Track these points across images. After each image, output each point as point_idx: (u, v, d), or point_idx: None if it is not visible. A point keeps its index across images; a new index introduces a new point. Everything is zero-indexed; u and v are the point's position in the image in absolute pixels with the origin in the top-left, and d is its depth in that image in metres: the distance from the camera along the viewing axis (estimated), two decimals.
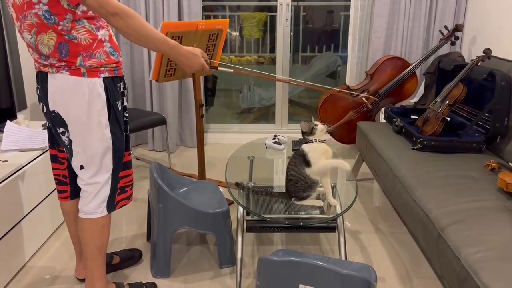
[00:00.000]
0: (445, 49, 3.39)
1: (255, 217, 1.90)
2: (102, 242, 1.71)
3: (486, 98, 2.45)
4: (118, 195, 1.70)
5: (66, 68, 1.47)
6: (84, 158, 1.58)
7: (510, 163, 2.12)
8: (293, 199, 1.89)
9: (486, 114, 2.38)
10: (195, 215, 1.96)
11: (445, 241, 1.57)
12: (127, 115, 1.71)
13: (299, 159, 1.86)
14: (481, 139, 2.31)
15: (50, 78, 1.49)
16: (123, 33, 1.42)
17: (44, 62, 1.48)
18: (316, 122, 1.89)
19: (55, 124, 1.57)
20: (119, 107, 1.61)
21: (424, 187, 1.91)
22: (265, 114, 4.61)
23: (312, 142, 1.86)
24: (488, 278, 1.32)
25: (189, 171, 3.24)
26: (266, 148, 2.52)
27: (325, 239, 2.33)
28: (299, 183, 1.85)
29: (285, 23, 3.68)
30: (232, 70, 1.92)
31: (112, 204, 1.69)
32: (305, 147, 1.86)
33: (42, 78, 1.52)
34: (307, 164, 1.83)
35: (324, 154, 1.84)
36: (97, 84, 1.51)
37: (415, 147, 2.34)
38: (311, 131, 1.87)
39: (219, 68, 1.91)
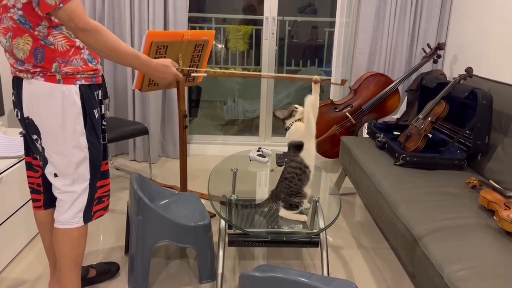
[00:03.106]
0: (428, 67, 3.45)
1: (237, 231, 1.86)
2: (78, 254, 1.65)
3: (467, 116, 2.49)
4: (95, 205, 1.66)
5: (41, 74, 1.44)
6: (57, 166, 1.54)
7: (490, 181, 2.15)
8: (280, 205, 1.86)
9: (467, 131, 2.41)
10: (175, 228, 1.91)
11: (428, 258, 1.56)
12: (105, 123, 1.67)
13: (291, 151, 1.83)
14: (463, 156, 2.33)
15: (25, 83, 1.46)
16: (93, 49, 1.40)
17: (20, 67, 1.45)
18: (297, 106, 1.87)
19: (29, 130, 1.53)
20: (96, 115, 1.58)
21: (407, 203, 1.91)
22: (249, 126, 4.60)
23: (290, 127, 1.85)
24: None
25: (170, 182, 3.19)
26: (250, 160, 2.50)
27: (308, 254, 2.31)
28: (293, 181, 1.81)
29: (270, 37, 3.70)
30: (205, 74, 1.93)
31: (88, 215, 1.64)
32: (289, 134, 1.85)
33: (17, 84, 1.48)
34: (299, 147, 1.82)
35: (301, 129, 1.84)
36: (73, 92, 1.48)
37: (398, 163, 2.35)
38: (291, 114, 1.86)
39: (192, 74, 1.91)
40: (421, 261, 1.62)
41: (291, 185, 1.82)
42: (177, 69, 1.70)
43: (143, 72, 1.58)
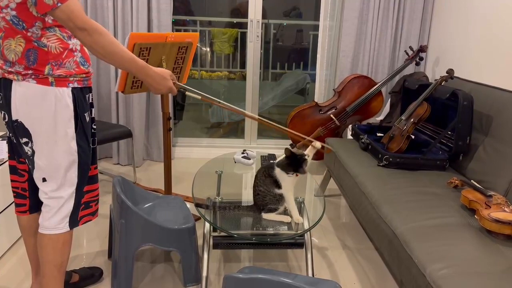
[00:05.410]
0: (410, 69, 3.49)
1: (222, 233, 1.86)
2: (62, 260, 1.63)
3: (449, 116, 2.53)
4: (81, 210, 1.63)
5: (33, 77, 1.41)
6: (47, 171, 1.51)
7: (472, 181, 2.18)
8: (262, 212, 1.87)
9: (449, 132, 2.45)
10: (159, 231, 1.89)
11: (410, 257, 1.58)
12: (95, 127, 1.66)
13: (269, 180, 1.84)
14: (445, 156, 2.36)
15: (15, 85, 1.43)
16: (90, 49, 1.38)
17: (9, 69, 1.42)
18: (305, 153, 1.81)
19: (18, 134, 1.49)
20: (87, 118, 1.56)
21: (390, 203, 1.93)
22: (235, 129, 4.60)
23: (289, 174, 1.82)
24: None
25: (155, 186, 3.17)
26: (235, 162, 2.50)
27: (293, 256, 2.31)
28: (267, 197, 1.84)
29: (255, 40, 3.71)
30: (200, 97, 1.91)
31: (75, 220, 1.62)
32: (280, 175, 1.83)
33: (5, 85, 1.45)
34: (278, 186, 1.83)
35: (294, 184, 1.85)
36: (65, 94, 1.46)
37: (381, 164, 2.37)
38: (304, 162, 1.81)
39: (187, 93, 1.89)
40: (404, 261, 1.63)
41: (265, 199, 1.85)
42: (174, 83, 1.67)
43: (139, 78, 1.53)
